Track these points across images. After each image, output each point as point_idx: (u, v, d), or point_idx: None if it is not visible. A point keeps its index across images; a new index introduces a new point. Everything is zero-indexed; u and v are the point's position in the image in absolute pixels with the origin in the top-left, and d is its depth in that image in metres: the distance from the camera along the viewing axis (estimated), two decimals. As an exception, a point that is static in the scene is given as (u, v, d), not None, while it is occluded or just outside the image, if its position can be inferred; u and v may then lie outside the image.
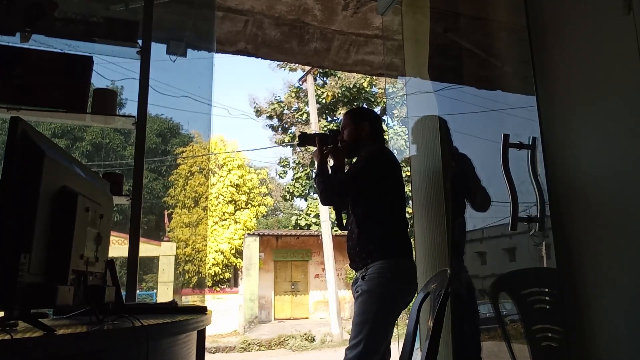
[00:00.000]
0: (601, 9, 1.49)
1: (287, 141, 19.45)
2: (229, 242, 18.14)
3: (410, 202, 2.70)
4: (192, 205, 15.24)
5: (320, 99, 18.57)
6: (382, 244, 2.00)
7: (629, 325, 1.36)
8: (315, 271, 16.04)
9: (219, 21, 3.05)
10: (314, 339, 12.13)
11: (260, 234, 16.14)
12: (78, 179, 1.00)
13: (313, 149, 2.24)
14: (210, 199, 18.41)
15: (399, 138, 16.40)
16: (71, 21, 2.06)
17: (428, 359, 1.42)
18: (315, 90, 17.70)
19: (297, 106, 19.56)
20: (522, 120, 1.87)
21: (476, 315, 2.14)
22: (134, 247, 2.00)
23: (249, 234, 16.11)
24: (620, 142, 1.41)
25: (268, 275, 15.72)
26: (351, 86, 18.39)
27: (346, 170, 2.19)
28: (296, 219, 18.89)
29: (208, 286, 17.04)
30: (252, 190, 20.14)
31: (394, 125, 16.81)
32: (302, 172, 19.16)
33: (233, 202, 19.23)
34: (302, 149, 18.95)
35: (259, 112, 19.85)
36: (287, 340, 11.96)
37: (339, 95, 18.62)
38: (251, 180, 20.25)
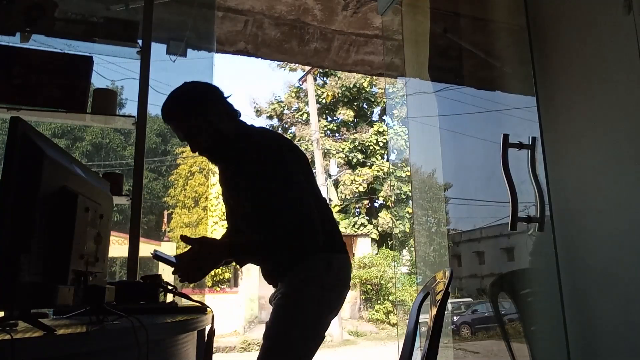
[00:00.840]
0: (601, 9, 1.49)
1: (287, 141, 19.43)
2: (229, 242, 18.10)
3: (410, 202, 2.71)
4: (192, 205, 15.24)
5: (320, 99, 18.57)
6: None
7: (628, 325, 1.36)
8: (315, 271, 16.00)
9: (219, 21, 3.05)
10: (314, 339, 12.09)
11: (260, 234, 16.08)
12: (78, 179, 1.00)
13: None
14: (210, 199, 18.40)
15: (399, 138, 16.41)
16: (71, 21, 2.07)
17: (428, 358, 1.42)
18: (315, 90, 17.70)
19: (297, 106, 19.56)
20: (522, 120, 1.87)
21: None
22: (134, 247, 2.01)
23: (249, 234, 16.05)
24: (620, 142, 1.41)
25: (268, 275, 15.68)
26: (351, 86, 18.40)
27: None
28: (296, 219, 18.85)
29: (208, 286, 17.04)
30: (252, 190, 20.11)
31: (394, 125, 16.82)
32: (302, 172, 19.14)
33: (233, 202, 19.21)
34: (302, 148, 18.94)
35: (259, 112, 19.87)
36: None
37: (339, 95, 18.63)
38: (251, 180, 20.21)
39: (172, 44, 2.73)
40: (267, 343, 1.43)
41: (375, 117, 19.69)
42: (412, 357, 1.60)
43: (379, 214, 17.93)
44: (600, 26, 1.50)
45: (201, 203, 15.09)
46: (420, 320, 1.61)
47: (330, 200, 14.48)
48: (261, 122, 20.06)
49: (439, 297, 1.53)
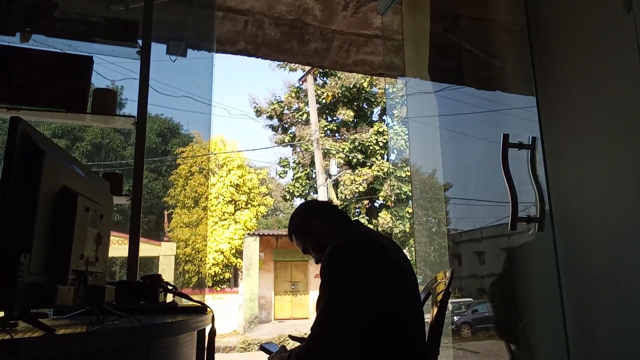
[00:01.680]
0: (601, 9, 1.49)
1: (287, 141, 19.45)
2: (229, 242, 18.14)
3: (410, 202, 2.71)
4: (192, 205, 15.24)
5: (320, 99, 18.58)
6: None
7: (628, 325, 1.36)
8: (315, 271, 16.03)
9: (219, 21, 3.05)
10: (314, 339, 12.10)
11: (260, 234, 16.14)
12: (78, 179, 1.00)
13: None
14: (210, 199, 18.41)
15: (399, 138, 16.42)
16: (71, 21, 2.06)
17: (428, 358, 1.42)
18: (315, 90, 17.71)
19: (297, 106, 19.57)
20: (521, 120, 1.87)
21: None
22: (134, 247, 2.00)
23: (249, 234, 16.11)
24: (619, 142, 1.41)
25: (268, 275, 15.72)
26: (351, 86, 18.40)
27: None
28: (296, 219, 18.86)
29: (208, 286, 17.04)
30: (252, 190, 20.15)
31: (394, 125, 16.82)
32: (302, 172, 19.16)
33: (233, 202, 19.24)
34: (302, 148, 18.96)
35: (259, 112, 19.87)
36: (288, 340, 11.95)
37: (339, 95, 18.63)
38: (251, 180, 20.25)
39: (172, 44, 2.73)
40: None
41: (375, 117, 19.70)
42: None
43: (379, 214, 17.93)
44: (600, 26, 1.50)
45: (201, 203, 15.10)
46: (420, 320, 1.60)
47: (330, 200, 14.47)
48: (261, 122, 20.06)
49: (439, 297, 1.53)
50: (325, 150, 17.78)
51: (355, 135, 18.27)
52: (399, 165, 16.86)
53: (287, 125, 19.78)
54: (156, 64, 2.20)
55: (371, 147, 18.09)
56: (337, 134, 19.13)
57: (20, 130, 0.84)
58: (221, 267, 18.00)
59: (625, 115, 1.39)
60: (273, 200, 23.37)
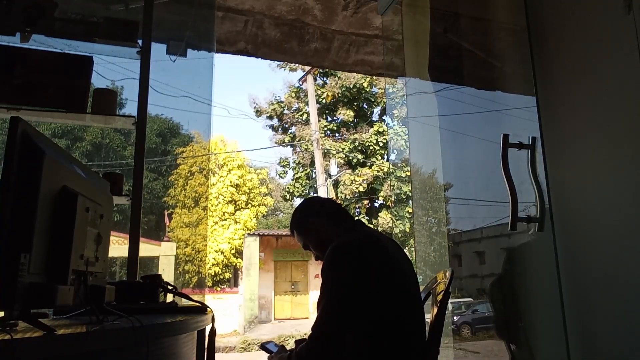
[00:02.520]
0: (601, 9, 1.49)
1: (287, 141, 19.46)
2: (229, 242, 18.14)
3: (410, 202, 2.71)
4: (192, 205, 15.23)
5: (320, 99, 18.57)
6: None
7: (628, 325, 1.36)
8: (315, 271, 16.03)
9: (219, 21, 3.05)
10: (314, 339, 12.10)
11: (261, 234, 16.14)
12: (78, 179, 1.00)
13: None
14: (210, 199, 18.41)
15: (398, 138, 16.42)
16: (71, 21, 2.06)
17: (428, 358, 1.42)
18: (315, 90, 17.71)
19: (297, 106, 19.57)
20: (522, 120, 1.87)
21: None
22: (134, 247, 2.00)
23: (249, 234, 16.11)
24: (619, 142, 1.41)
25: (268, 275, 15.72)
26: (351, 86, 18.40)
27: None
28: (296, 219, 18.87)
29: (208, 286, 17.04)
30: (252, 190, 20.15)
31: (394, 125, 16.83)
32: (302, 172, 19.16)
33: (233, 202, 19.24)
34: (302, 148, 18.96)
35: (259, 112, 19.87)
36: (288, 340, 11.96)
37: (339, 95, 18.63)
38: (251, 180, 20.26)
39: (172, 44, 2.73)
40: None
41: (375, 117, 19.70)
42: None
43: (379, 214, 17.93)
44: (600, 26, 1.50)
45: (201, 203, 15.09)
46: (420, 320, 1.60)
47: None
48: (261, 122, 20.06)
49: (439, 297, 1.53)
50: (325, 150, 17.78)
51: (355, 135, 18.27)
52: (399, 165, 16.86)
53: (287, 125, 19.78)
54: (156, 64, 2.20)
55: (371, 147, 18.09)
56: (337, 134, 19.13)
57: (20, 130, 0.84)
58: (221, 267, 18.00)
59: (625, 115, 1.39)
60: (273, 200, 23.38)
